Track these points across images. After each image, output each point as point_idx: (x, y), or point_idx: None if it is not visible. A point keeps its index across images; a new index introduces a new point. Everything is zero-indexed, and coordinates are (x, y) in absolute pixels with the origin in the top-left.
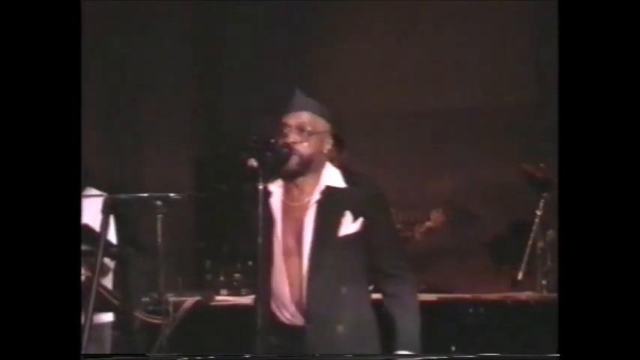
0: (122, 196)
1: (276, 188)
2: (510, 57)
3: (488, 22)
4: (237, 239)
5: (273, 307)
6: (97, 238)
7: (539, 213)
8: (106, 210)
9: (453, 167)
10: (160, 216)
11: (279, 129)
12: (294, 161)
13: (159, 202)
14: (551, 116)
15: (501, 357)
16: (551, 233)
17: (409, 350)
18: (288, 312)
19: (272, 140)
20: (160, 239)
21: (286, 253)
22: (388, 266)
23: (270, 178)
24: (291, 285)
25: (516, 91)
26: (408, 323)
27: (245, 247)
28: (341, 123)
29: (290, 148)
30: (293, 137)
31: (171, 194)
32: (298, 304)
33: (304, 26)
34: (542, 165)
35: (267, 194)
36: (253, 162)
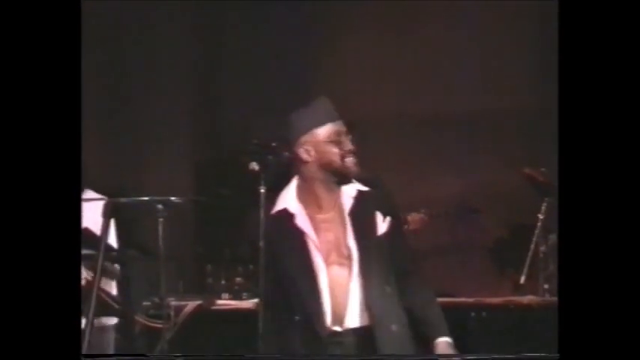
0: (123, 199)
1: (296, 207)
2: (513, 59)
3: (492, 23)
4: (239, 243)
5: (319, 319)
6: (97, 241)
7: (541, 217)
8: (107, 214)
9: (454, 170)
10: (160, 220)
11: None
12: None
13: (160, 206)
14: (554, 119)
15: (501, 357)
16: (554, 237)
17: (447, 337)
18: (335, 322)
19: (273, 144)
20: (160, 243)
21: (328, 264)
22: (407, 262)
23: (271, 181)
24: (333, 295)
25: (519, 94)
26: (437, 315)
27: (247, 250)
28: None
29: (291, 153)
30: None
31: (173, 198)
32: (350, 312)
33: (306, 27)
34: (544, 169)
35: (291, 216)
36: (255, 165)
